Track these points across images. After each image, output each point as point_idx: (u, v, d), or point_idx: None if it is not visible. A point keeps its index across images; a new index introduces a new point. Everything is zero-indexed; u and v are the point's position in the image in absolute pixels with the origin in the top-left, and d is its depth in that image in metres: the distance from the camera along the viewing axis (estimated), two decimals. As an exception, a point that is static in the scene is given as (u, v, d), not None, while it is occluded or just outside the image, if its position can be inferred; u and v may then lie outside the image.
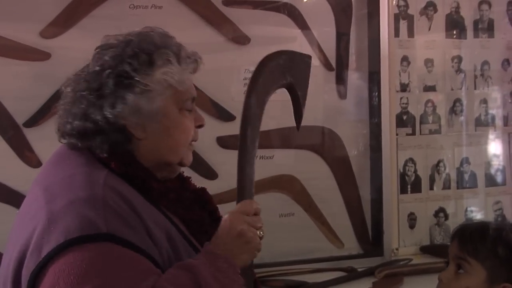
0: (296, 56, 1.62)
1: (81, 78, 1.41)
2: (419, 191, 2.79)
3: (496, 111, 2.94)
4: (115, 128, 1.37)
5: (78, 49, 2.24)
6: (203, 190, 1.59)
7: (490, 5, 2.89)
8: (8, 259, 1.31)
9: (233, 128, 2.47)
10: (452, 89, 2.85)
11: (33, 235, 1.23)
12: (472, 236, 1.66)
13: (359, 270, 2.52)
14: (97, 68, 1.39)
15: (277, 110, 2.52)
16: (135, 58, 1.38)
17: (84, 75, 1.41)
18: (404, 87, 2.75)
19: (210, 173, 2.44)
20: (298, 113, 1.66)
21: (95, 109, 1.36)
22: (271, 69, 1.55)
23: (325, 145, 2.63)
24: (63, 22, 2.25)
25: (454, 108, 2.85)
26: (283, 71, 1.57)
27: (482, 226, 1.70)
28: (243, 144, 1.49)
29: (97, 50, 1.45)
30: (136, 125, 1.39)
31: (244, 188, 1.50)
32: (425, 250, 2.76)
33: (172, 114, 1.43)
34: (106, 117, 1.35)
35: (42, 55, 2.22)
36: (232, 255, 1.35)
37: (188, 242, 1.41)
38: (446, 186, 2.85)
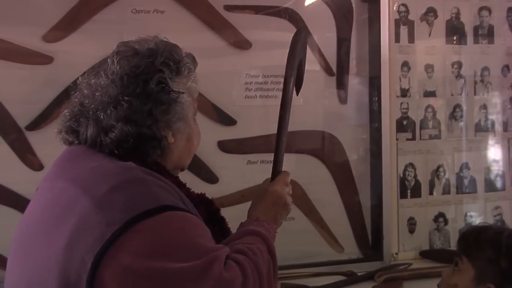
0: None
1: (111, 80, 1.40)
2: (419, 196, 2.80)
3: (495, 116, 2.94)
4: (158, 133, 1.39)
5: (80, 53, 2.27)
6: (203, 193, 1.60)
7: (490, 11, 2.90)
8: (43, 256, 1.26)
9: (234, 132, 2.49)
10: (452, 95, 2.86)
11: (78, 222, 1.22)
12: (469, 236, 1.73)
13: (359, 274, 2.52)
14: (128, 72, 1.39)
15: (278, 115, 2.53)
16: (167, 66, 1.42)
17: (112, 78, 1.40)
18: (404, 92, 2.76)
19: (211, 177, 2.45)
20: (299, 82, 1.83)
21: (142, 114, 1.37)
22: (303, 45, 1.80)
23: (326, 149, 2.64)
24: (65, 26, 2.26)
25: (454, 113, 2.86)
26: (305, 46, 1.83)
27: (481, 228, 1.77)
28: (283, 119, 1.72)
29: (119, 55, 1.44)
30: (170, 130, 1.43)
31: (280, 162, 1.72)
32: (425, 255, 2.76)
33: (191, 121, 1.50)
34: (157, 122, 1.39)
35: (44, 59, 2.24)
36: (275, 222, 1.57)
37: None
38: (446, 191, 2.85)
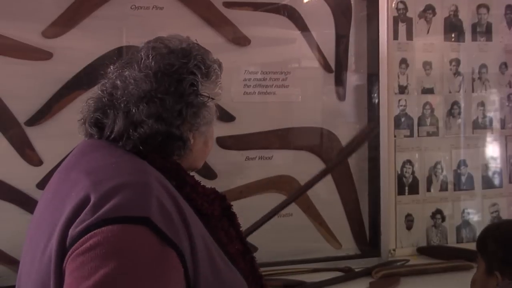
0: None
1: (145, 75, 1.39)
2: (417, 192, 2.81)
3: (493, 114, 2.96)
4: (185, 135, 1.40)
5: (79, 49, 2.27)
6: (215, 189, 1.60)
7: (488, 9, 2.91)
8: (45, 237, 1.29)
9: (232, 129, 2.49)
10: (450, 92, 2.87)
11: (77, 213, 1.22)
12: (479, 235, 1.92)
13: (356, 270, 2.54)
14: (163, 70, 1.39)
15: (277, 111, 2.54)
16: (198, 69, 1.42)
17: (145, 72, 1.40)
18: (402, 90, 2.77)
19: (209, 173, 2.45)
20: None
21: (172, 114, 1.37)
22: None
23: (324, 146, 2.65)
24: (65, 22, 2.26)
25: (452, 110, 2.87)
26: None
27: (488, 226, 2.00)
28: None
29: (154, 50, 1.44)
30: (191, 132, 1.44)
31: None
32: (422, 251, 2.77)
33: (212, 125, 1.53)
34: (185, 123, 1.39)
35: (44, 55, 2.24)
36: None
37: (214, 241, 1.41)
38: (443, 188, 2.86)
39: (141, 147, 1.36)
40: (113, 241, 1.15)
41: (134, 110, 1.36)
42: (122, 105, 1.38)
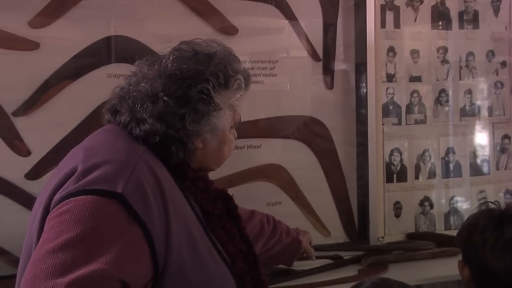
0: None
1: (158, 75, 1.44)
2: (405, 180, 2.82)
3: (480, 101, 2.97)
4: (185, 138, 1.43)
5: (66, 39, 2.26)
6: (224, 189, 1.66)
7: (475, -3, 2.93)
8: (39, 202, 1.39)
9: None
10: (437, 80, 2.88)
11: (64, 181, 1.31)
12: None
13: (345, 258, 2.55)
14: (177, 72, 1.43)
15: (265, 100, 2.54)
16: (216, 77, 1.45)
17: (161, 73, 1.45)
18: (390, 78, 2.78)
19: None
20: None
21: (174, 117, 1.41)
22: None
23: (312, 134, 2.65)
24: (52, 12, 2.25)
25: (440, 98, 2.88)
26: None
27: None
28: None
29: (177, 52, 1.48)
30: (198, 137, 1.47)
31: None
32: (410, 238, 2.79)
33: (226, 132, 1.54)
34: (186, 128, 1.42)
35: (30, 45, 2.22)
36: None
37: (207, 236, 1.45)
38: (432, 175, 2.88)
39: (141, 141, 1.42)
40: (81, 210, 1.22)
41: (138, 108, 1.42)
42: (130, 101, 1.45)
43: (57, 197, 1.28)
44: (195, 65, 1.45)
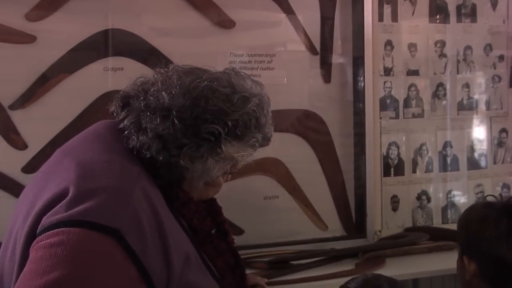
0: None
1: (184, 93, 1.35)
2: (402, 174, 2.82)
3: (478, 95, 2.97)
4: (173, 166, 1.36)
5: (63, 32, 2.26)
6: (214, 200, 1.60)
7: (473, -10, 2.92)
8: (23, 215, 1.30)
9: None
10: (435, 74, 2.88)
11: (53, 202, 1.22)
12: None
13: (342, 250, 2.54)
14: (202, 102, 1.35)
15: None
16: (234, 127, 1.37)
17: (188, 92, 1.35)
18: (387, 71, 2.77)
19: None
20: None
21: (174, 142, 1.33)
22: None
23: (309, 128, 2.65)
24: (48, 5, 2.24)
25: (437, 92, 2.88)
26: None
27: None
28: None
29: (215, 81, 1.39)
30: (187, 171, 1.39)
31: None
32: (409, 231, 2.78)
33: (218, 178, 1.47)
34: (179, 159, 1.35)
35: (27, 38, 2.22)
36: None
37: (198, 254, 1.41)
38: (429, 169, 2.88)
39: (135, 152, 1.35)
40: (75, 245, 1.13)
41: (147, 114, 1.34)
42: (144, 103, 1.37)
43: (45, 220, 1.19)
44: (224, 104, 1.35)
